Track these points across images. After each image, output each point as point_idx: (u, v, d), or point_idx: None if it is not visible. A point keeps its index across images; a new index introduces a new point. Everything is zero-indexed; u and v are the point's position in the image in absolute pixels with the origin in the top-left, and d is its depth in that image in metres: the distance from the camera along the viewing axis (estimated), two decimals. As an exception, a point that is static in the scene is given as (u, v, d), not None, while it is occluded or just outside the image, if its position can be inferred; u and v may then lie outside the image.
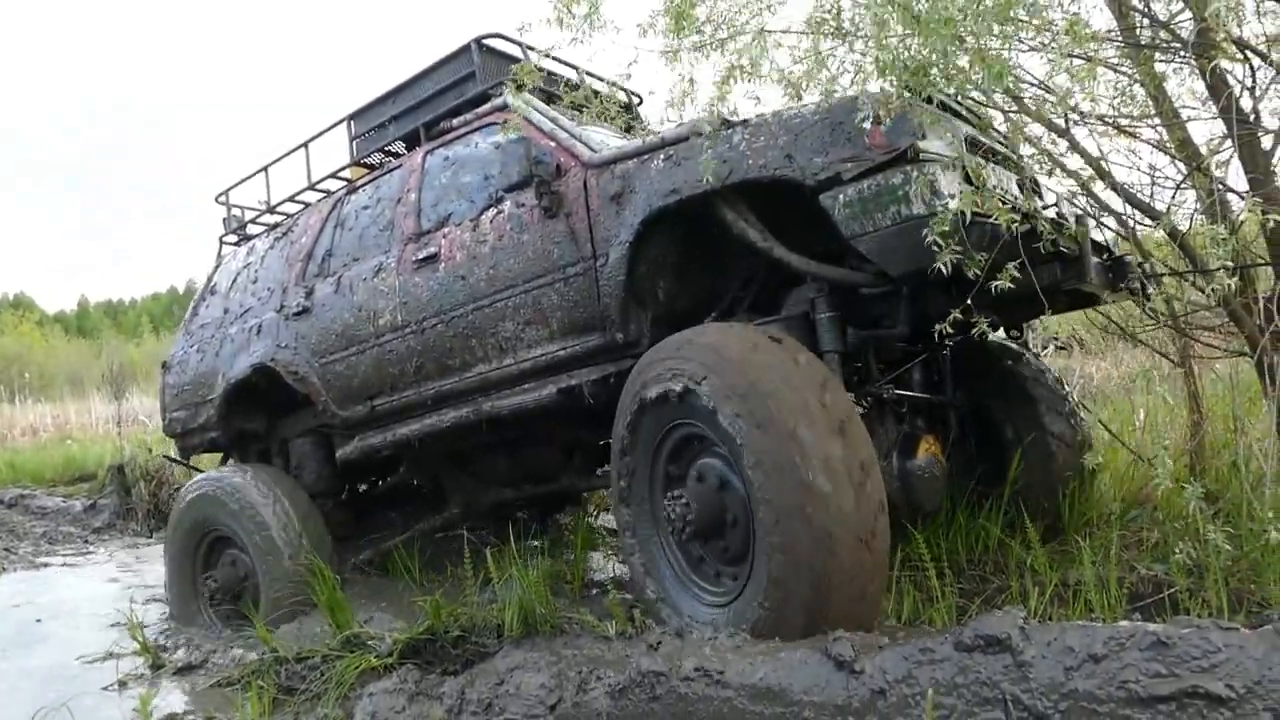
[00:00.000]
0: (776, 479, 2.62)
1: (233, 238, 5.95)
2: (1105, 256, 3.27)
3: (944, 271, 2.63)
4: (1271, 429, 3.71)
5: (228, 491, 4.63)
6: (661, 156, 3.41)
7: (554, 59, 4.39)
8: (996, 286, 2.65)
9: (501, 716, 2.82)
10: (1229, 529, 3.09)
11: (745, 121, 3.19)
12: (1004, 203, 2.75)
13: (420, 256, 4.18)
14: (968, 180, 2.79)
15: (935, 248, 2.61)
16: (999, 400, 4.02)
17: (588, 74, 4.48)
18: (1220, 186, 3.47)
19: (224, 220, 5.94)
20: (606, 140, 4.02)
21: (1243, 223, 3.41)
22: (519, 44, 4.35)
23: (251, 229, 5.90)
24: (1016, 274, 2.64)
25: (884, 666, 2.29)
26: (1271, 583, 2.94)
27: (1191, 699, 2.10)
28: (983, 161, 2.90)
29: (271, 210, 5.71)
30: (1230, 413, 3.95)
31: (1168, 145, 3.72)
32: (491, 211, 3.99)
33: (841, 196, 2.90)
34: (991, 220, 2.64)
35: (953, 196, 2.71)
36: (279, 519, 4.47)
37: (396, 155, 4.99)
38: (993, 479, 3.90)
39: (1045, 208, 3.03)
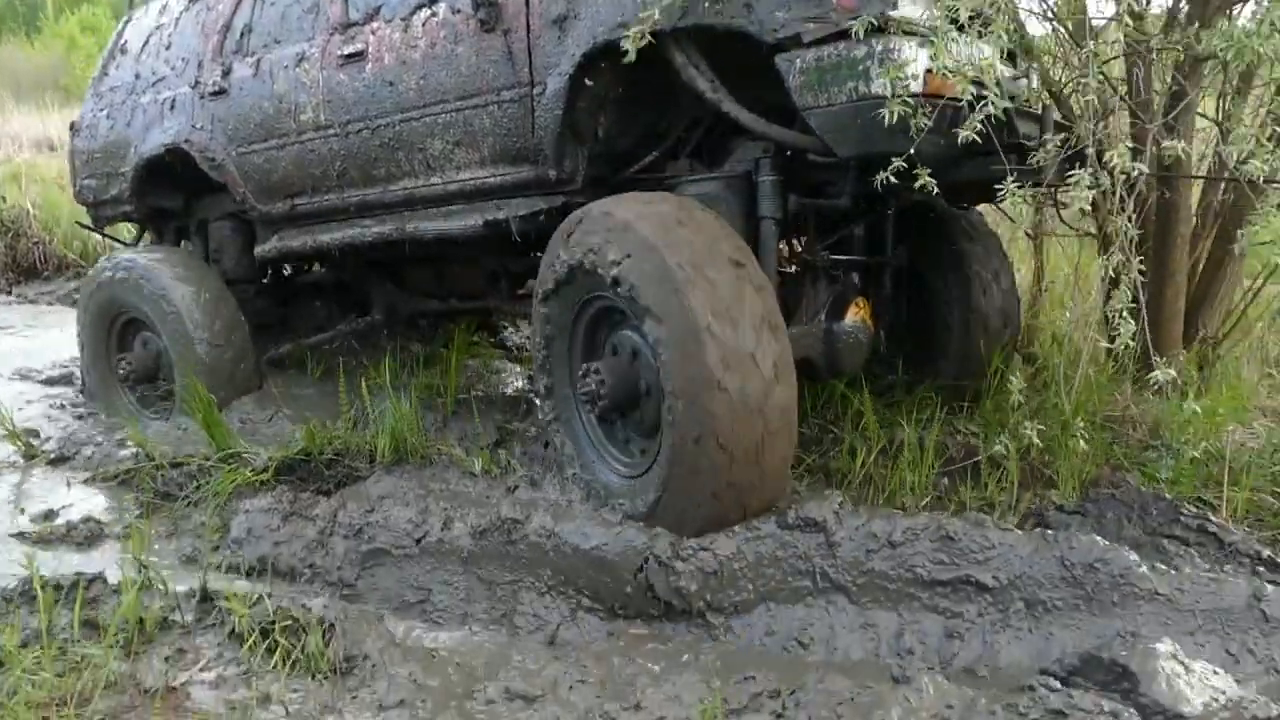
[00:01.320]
0: (679, 351, 2.59)
1: None
2: (1063, 142, 3.20)
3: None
4: (1097, 304, 4.06)
5: (136, 274, 4.48)
6: None
7: None
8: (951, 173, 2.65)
9: (371, 545, 3.05)
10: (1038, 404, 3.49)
11: None
12: (976, 82, 2.60)
13: (346, 52, 3.88)
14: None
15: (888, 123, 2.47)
16: (935, 264, 3.97)
17: None
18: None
19: None
20: None
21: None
22: None
23: None
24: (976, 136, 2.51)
25: (715, 547, 2.58)
26: (1062, 459, 3.33)
27: (964, 585, 2.49)
28: (956, 35, 2.64)
29: None
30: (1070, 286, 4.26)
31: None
32: (425, 12, 3.63)
33: (799, 61, 2.69)
34: (955, 103, 2.55)
35: (915, 77, 2.54)
36: (189, 305, 4.35)
37: None
38: (918, 342, 4.02)
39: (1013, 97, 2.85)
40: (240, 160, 4.41)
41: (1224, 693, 2.00)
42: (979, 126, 2.54)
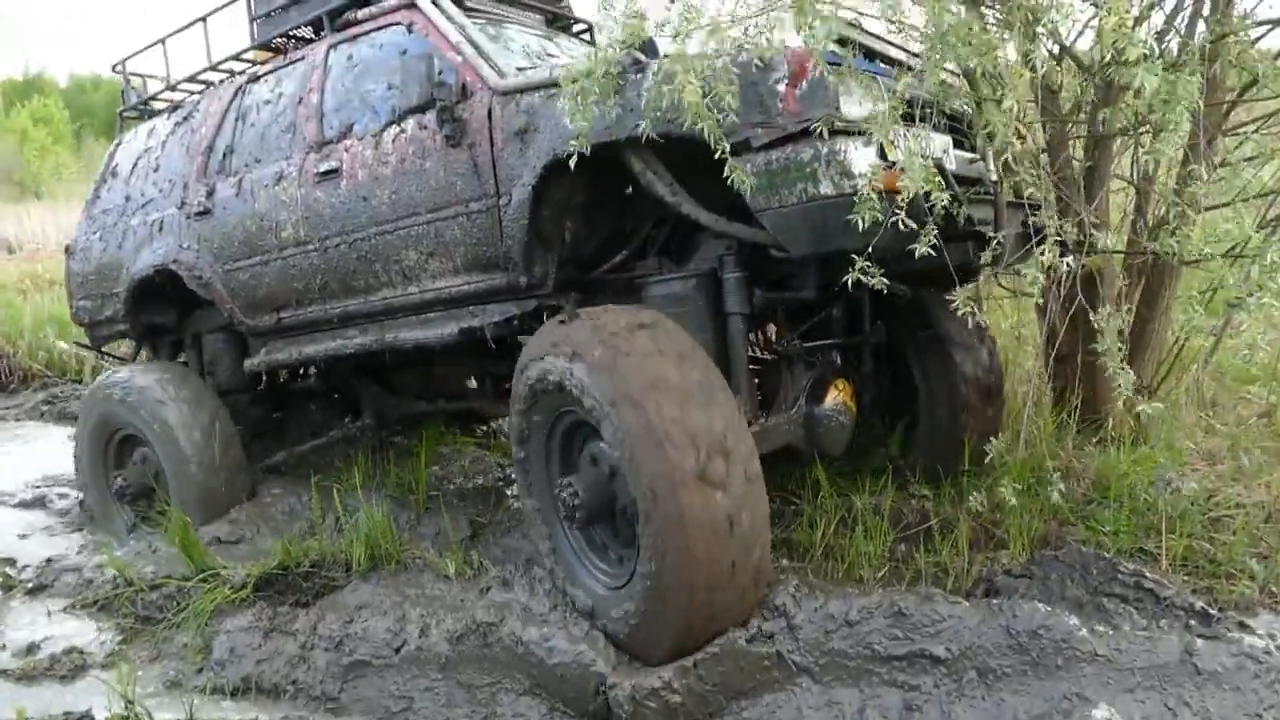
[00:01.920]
0: (641, 469, 2.57)
1: (133, 113, 5.64)
2: (1025, 222, 3.03)
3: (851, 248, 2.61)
4: (1039, 365, 4.26)
5: (132, 392, 4.61)
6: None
7: None
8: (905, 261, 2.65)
9: (352, 657, 3.14)
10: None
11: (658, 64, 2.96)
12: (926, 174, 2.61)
13: (322, 170, 4.02)
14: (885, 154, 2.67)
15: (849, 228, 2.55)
16: (914, 339, 3.99)
17: None
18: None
19: (122, 93, 5.66)
20: (526, 42, 3.87)
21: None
22: None
23: (154, 104, 5.58)
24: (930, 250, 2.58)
25: (676, 682, 2.62)
26: (1012, 518, 3.48)
27: (919, 658, 2.62)
28: (902, 130, 2.71)
29: (172, 89, 5.41)
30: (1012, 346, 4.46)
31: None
32: (394, 129, 3.78)
33: (749, 165, 2.75)
34: (901, 201, 2.56)
35: (863, 176, 2.59)
36: (184, 422, 4.47)
37: (305, 41, 4.69)
38: (900, 418, 4.07)
39: (967, 184, 2.88)
40: (227, 277, 4.53)
41: (1159, 752, 2.13)
42: (933, 239, 2.57)
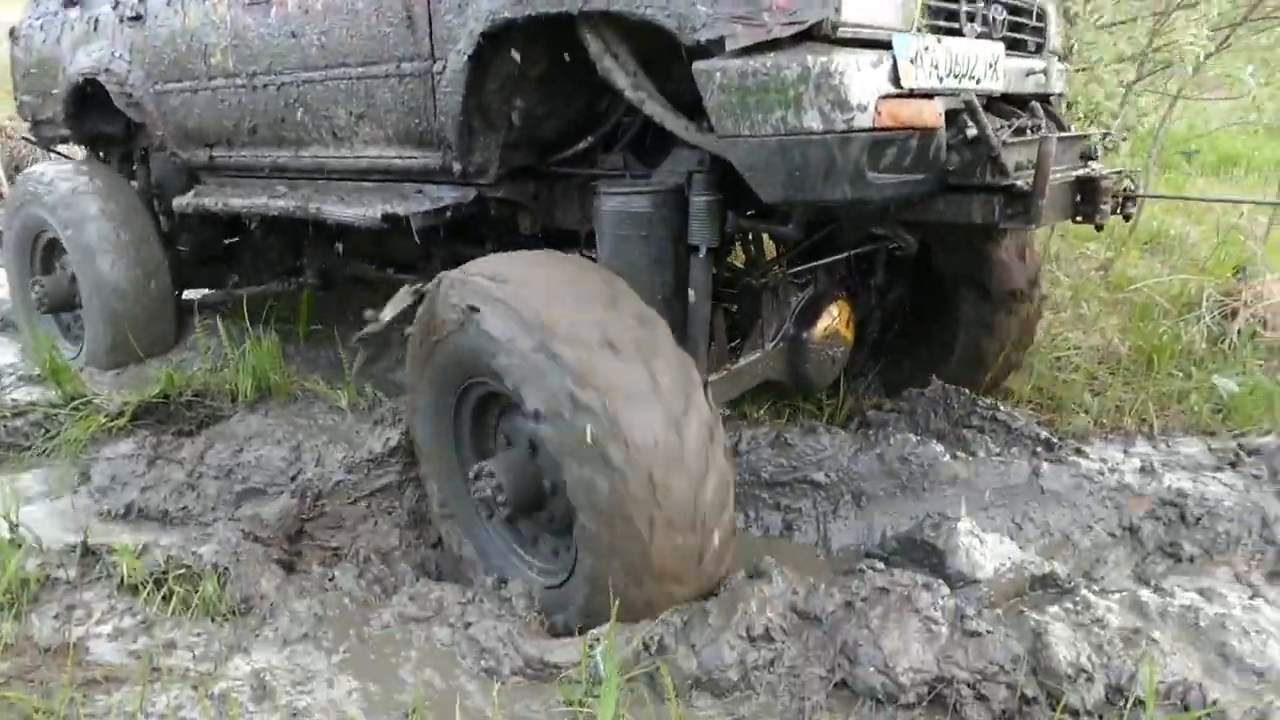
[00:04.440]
0: (565, 436, 2.09)
1: None
2: (1077, 179, 2.41)
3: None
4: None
5: (52, 194, 4.21)
6: None
7: None
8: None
9: (245, 485, 3.15)
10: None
11: None
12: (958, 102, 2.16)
13: None
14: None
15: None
16: (940, 244, 3.37)
17: None
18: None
19: None
20: None
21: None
22: None
23: None
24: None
25: None
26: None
27: (801, 484, 2.85)
28: (930, 43, 2.17)
29: None
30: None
31: None
32: None
33: (719, 74, 2.09)
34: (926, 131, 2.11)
35: (863, 109, 2.01)
36: (107, 241, 4.05)
37: None
38: (920, 332, 3.56)
39: (1004, 126, 2.40)
40: (158, 99, 3.91)
41: (1010, 558, 2.43)
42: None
